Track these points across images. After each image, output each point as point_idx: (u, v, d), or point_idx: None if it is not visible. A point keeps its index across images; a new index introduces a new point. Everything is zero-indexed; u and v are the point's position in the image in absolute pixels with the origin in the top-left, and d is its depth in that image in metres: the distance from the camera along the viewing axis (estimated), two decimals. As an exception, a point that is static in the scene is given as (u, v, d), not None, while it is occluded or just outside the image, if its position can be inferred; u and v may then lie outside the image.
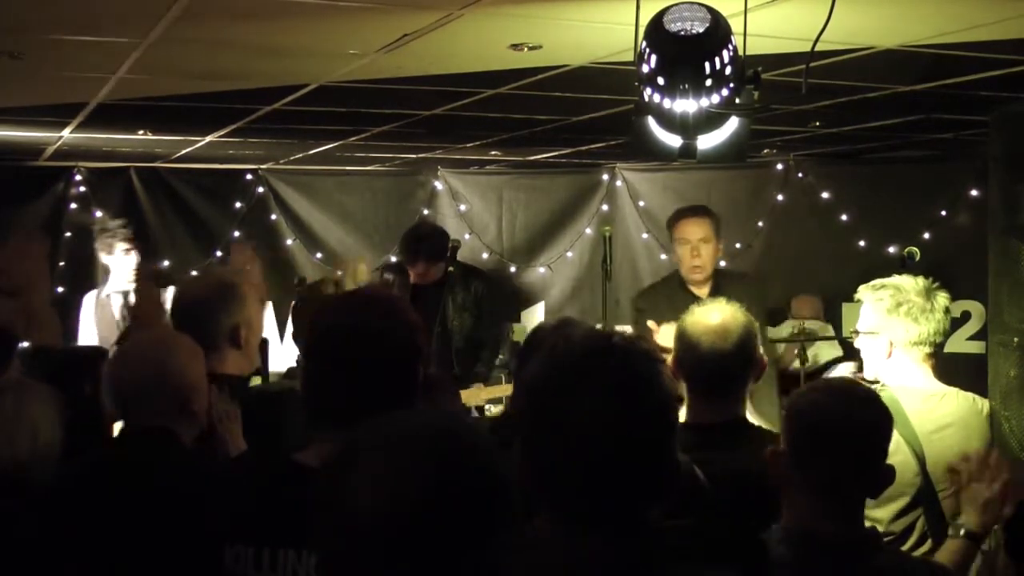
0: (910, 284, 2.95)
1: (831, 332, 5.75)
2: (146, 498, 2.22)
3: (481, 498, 1.29)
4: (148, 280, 3.42)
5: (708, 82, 2.22)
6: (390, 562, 1.25)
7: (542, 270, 7.19)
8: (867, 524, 2.13)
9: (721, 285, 4.62)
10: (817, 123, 4.83)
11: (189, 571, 1.97)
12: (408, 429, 1.34)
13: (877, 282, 3.02)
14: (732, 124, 2.47)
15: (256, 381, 3.10)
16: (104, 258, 5.61)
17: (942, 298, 2.95)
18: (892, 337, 2.94)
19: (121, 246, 5.48)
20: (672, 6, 2.19)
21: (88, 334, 5.47)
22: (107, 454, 2.46)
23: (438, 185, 7.19)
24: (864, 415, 2.09)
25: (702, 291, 4.59)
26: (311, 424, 1.95)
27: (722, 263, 5.01)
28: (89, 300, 5.61)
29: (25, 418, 2.34)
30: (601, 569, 1.45)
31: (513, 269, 7.17)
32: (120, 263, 5.49)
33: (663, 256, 6.85)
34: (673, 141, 2.45)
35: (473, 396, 4.66)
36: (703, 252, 4.66)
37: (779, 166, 6.51)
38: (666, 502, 1.50)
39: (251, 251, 4.00)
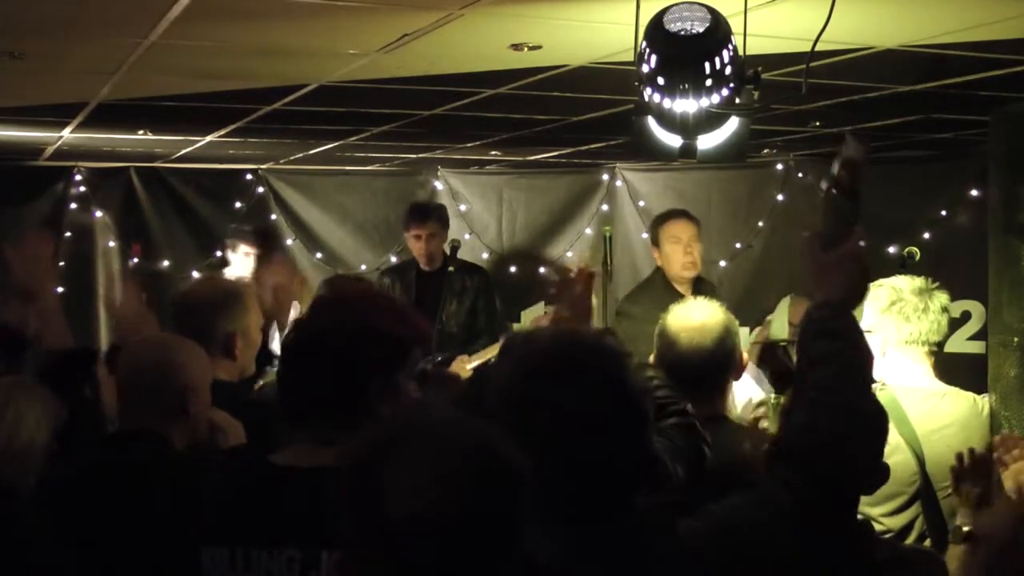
0: (906, 283, 2.97)
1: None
2: (126, 500, 2.21)
3: (515, 501, 1.30)
4: (135, 282, 3.42)
5: (708, 82, 2.22)
6: (422, 563, 1.25)
7: (542, 270, 7.18)
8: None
9: (700, 288, 4.74)
10: (817, 123, 4.82)
11: (167, 573, 1.97)
12: (442, 429, 1.34)
13: (877, 282, 3.04)
14: (732, 124, 2.47)
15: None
16: (229, 255, 5.68)
17: (939, 298, 2.96)
18: (884, 336, 2.95)
19: (243, 248, 5.51)
20: (672, 6, 2.19)
21: None
22: (93, 455, 2.44)
23: (438, 185, 7.19)
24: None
25: (687, 292, 4.65)
26: (286, 425, 1.94)
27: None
28: None
29: (5, 418, 2.32)
30: (592, 555, 1.46)
31: (513, 269, 7.17)
32: (239, 263, 5.54)
33: (663, 256, 6.87)
34: (673, 141, 2.45)
35: (459, 368, 4.68)
36: (695, 251, 4.81)
37: (779, 166, 6.50)
38: (644, 489, 1.54)
39: (291, 266, 3.99)
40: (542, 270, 7.15)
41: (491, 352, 4.61)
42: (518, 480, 1.31)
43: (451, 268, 5.44)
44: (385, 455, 1.30)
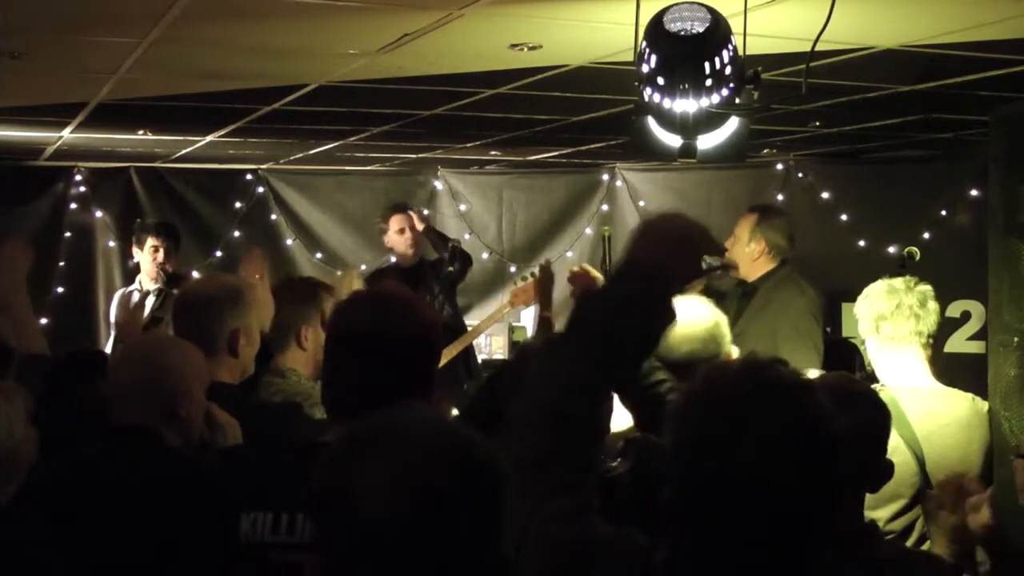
0: (900, 284, 3.00)
1: None
2: (127, 493, 2.19)
3: (488, 495, 1.31)
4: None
5: (708, 82, 2.22)
6: (389, 549, 1.26)
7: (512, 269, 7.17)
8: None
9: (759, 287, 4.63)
10: (817, 123, 4.82)
11: (188, 561, 1.98)
12: (415, 424, 1.37)
13: (873, 284, 3.06)
14: (732, 124, 2.47)
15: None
16: (136, 254, 5.65)
17: (930, 297, 2.99)
18: (885, 335, 2.96)
19: (151, 242, 5.51)
20: (672, 6, 2.19)
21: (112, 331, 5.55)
22: (86, 452, 2.42)
23: (438, 185, 7.19)
24: (862, 417, 2.08)
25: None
26: (329, 416, 2.02)
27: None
28: (115, 298, 5.68)
29: None
30: None
31: (513, 269, 7.17)
32: (146, 260, 5.53)
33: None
34: (673, 141, 2.45)
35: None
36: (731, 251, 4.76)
37: (779, 166, 6.50)
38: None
39: (262, 260, 3.95)
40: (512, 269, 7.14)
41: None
42: (494, 480, 1.32)
43: (451, 268, 5.40)
44: (359, 454, 1.31)
